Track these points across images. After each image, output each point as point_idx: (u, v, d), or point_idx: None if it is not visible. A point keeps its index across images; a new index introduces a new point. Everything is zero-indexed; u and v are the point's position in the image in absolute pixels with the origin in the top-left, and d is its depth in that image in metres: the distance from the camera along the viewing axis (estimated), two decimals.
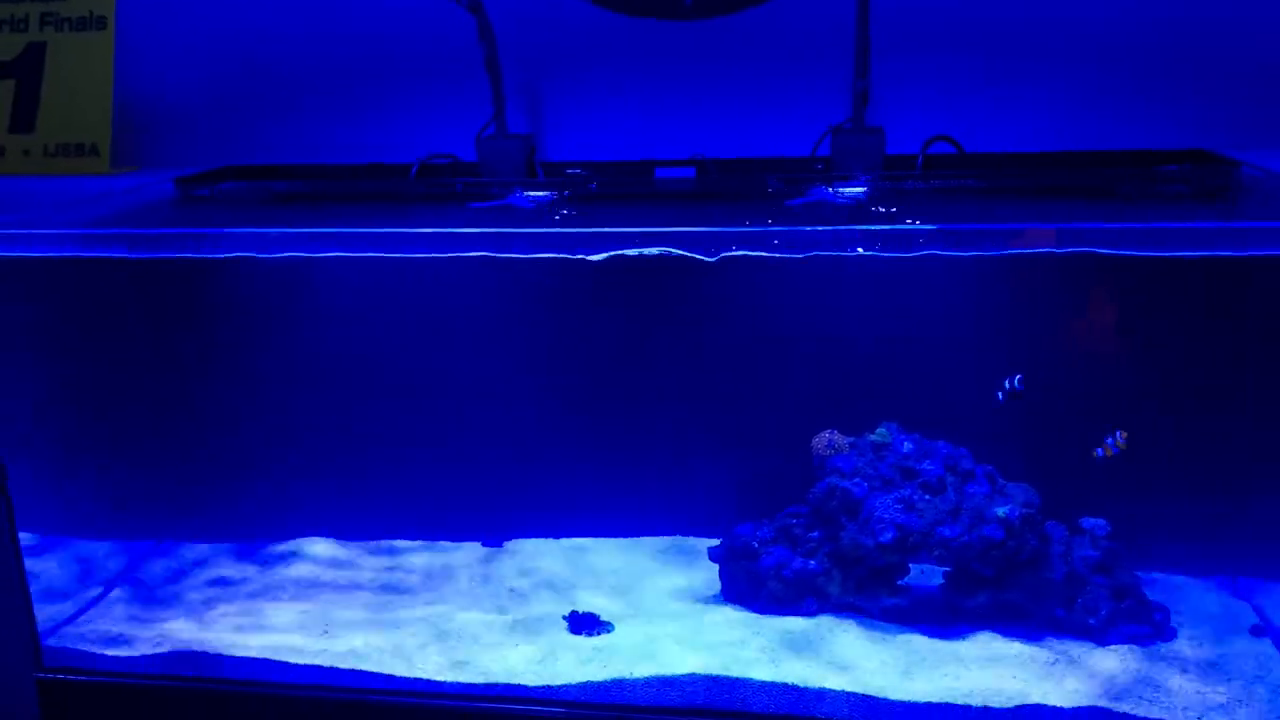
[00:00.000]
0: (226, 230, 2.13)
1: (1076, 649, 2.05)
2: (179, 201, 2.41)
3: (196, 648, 2.16)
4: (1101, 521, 2.14)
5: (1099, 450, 2.10)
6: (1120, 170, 2.30)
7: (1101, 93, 2.36)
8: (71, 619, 2.31)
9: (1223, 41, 2.27)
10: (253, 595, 2.38)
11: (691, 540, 2.45)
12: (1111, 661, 2.00)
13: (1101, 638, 2.06)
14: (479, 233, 2.01)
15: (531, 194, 2.34)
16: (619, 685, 2.00)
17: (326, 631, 2.19)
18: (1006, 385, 2.11)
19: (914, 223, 1.91)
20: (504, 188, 2.36)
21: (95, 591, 2.41)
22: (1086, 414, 2.20)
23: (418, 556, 2.50)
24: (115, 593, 2.40)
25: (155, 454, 2.55)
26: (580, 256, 1.97)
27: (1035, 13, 2.33)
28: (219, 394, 2.53)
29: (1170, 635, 2.08)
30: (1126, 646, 2.05)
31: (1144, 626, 2.07)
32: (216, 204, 2.42)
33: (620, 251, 1.96)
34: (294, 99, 2.66)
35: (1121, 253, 1.89)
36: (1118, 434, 2.09)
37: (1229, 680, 1.94)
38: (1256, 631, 2.09)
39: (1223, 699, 1.89)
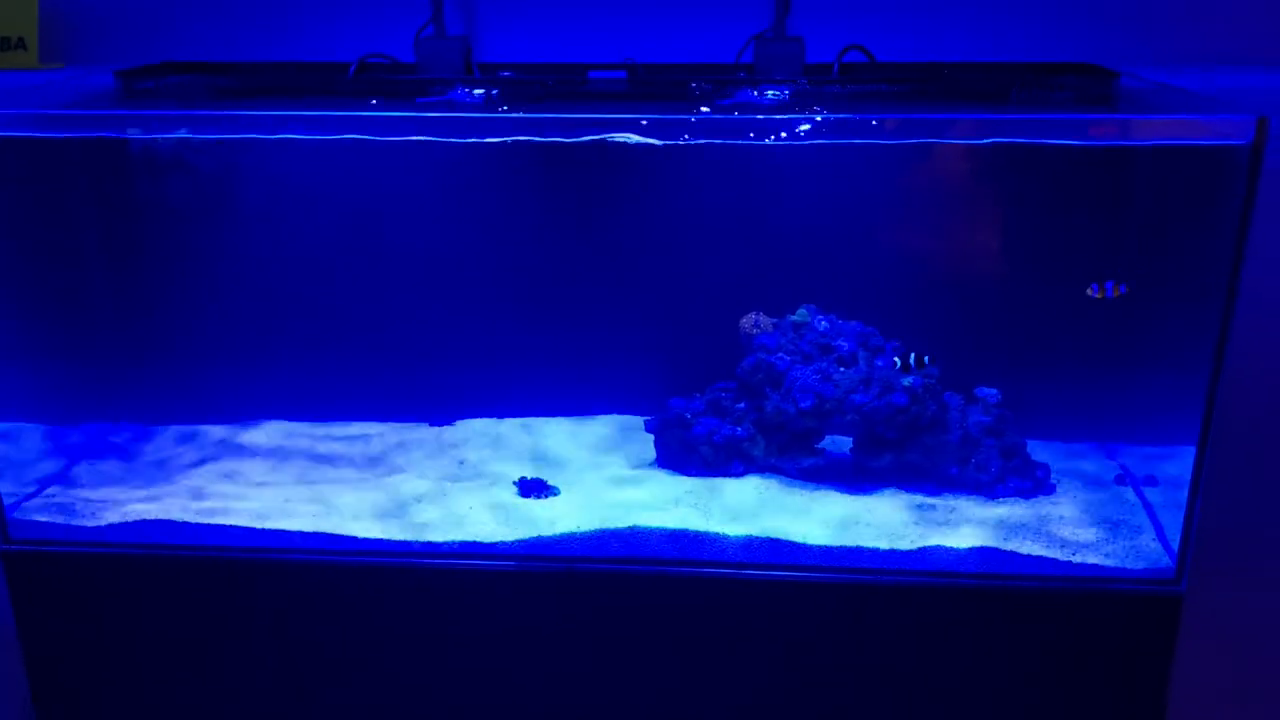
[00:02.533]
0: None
1: (970, 501, 2.32)
2: (124, 94, 2.45)
3: (160, 518, 2.28)
4: (993, 391, 2.41)
5: (1094, 287, 2.27)
6: (1014, 77, 2.53)
7: (1000, 9, 2.58)
8: (34, 494, 2.39)
9: None
10: (212, 472, 2.49)
11: (629, 418, 2.65)
12: (1000, 511, 2.29)
13: (991, 492, 2.34)
14: (456, 116, 2.15)
15: (474, 91, 2.46)
16: (568, 539, 2.20)
17: (288, 501, 2.33)
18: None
19: (822, 114, 2.12)
20: (446, 85, 2.48)
21: (57, 469, 2.51)
22: (980, 295, 2.48)
23: (370, 434, 2.64)
24: (78, 471, 2.51)
25: (112, 340, 2.63)
26: (541, 140, 2.13)
27: None
28: (175, 282, 2.61)
29: (1050, 489, 2.37)
30: (1013, 499, 2.33)
31: (1028, 481, 2.36)
32: (162, 97, 2.47)
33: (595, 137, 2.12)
34: None
35: (1009, 140, 2.18)
36: (1120, 287, 2.26)
37: (1098, 522, 2.24)
38: (1119, 480, 2.41)
39: (1093, 537, 2.19)
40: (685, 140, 2.21)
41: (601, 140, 2.18)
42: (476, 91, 2.48)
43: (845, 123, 2.13)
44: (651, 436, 2.48)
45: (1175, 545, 2.09)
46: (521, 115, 2.24)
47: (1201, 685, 2.37)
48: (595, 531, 2.21)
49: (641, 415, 2.56)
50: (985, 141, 2.32)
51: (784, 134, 2.19)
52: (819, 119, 2.12)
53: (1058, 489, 2.37)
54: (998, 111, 2.18)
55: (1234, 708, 2.45)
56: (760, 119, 2.19)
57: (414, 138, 2.28)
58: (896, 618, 2.12)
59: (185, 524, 2.27)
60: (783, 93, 2.36)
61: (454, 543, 2.21)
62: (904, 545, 2.16)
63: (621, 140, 2.14)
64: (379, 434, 2.65)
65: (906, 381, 2.32)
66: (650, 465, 2.46)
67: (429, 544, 2.21)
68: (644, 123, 2.15)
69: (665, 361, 2.58)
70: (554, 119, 2.20)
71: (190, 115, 2.30)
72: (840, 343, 2.39)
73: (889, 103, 2.40)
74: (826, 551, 2.17)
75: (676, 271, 2.56)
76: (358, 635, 2.21)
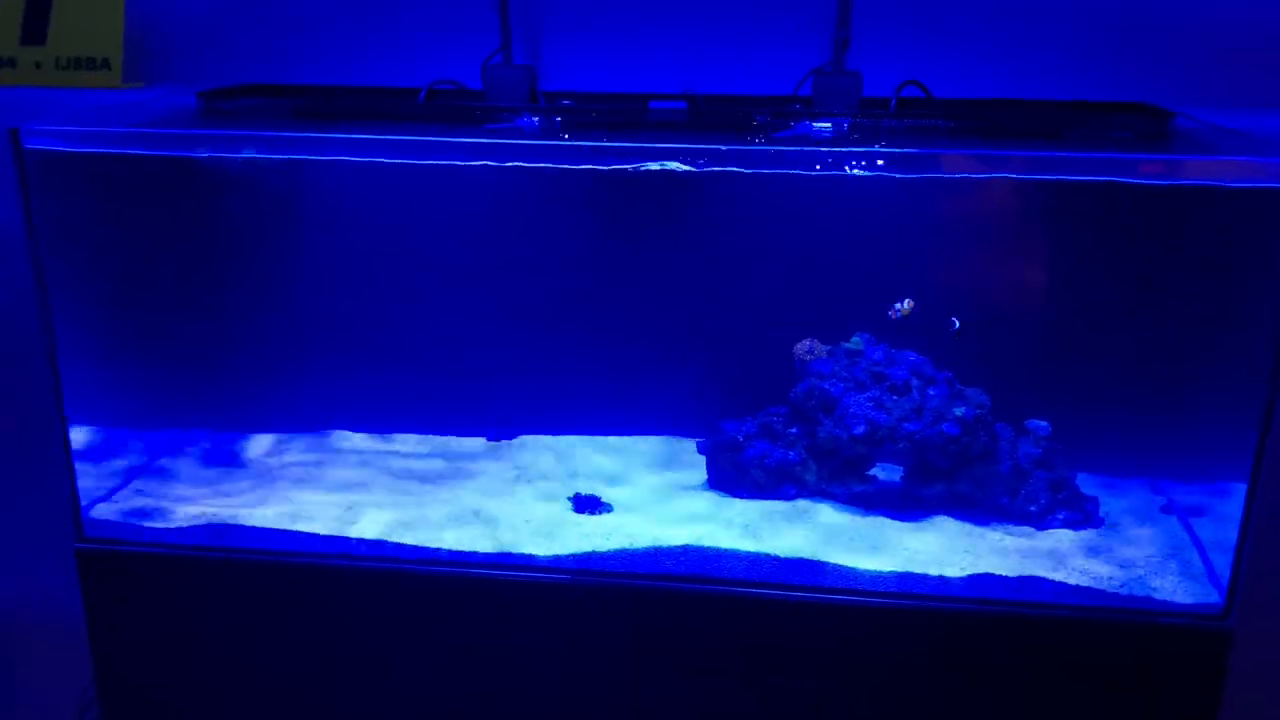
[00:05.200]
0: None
1: (1019, 531, 2.35)
2: (205, 114, 2.55)
3: (228, 522, 2.36)
4: (1044, 424, 2.44)
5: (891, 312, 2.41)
6: (1070, 115, 2.57)
7: (1058, 49, 2.62)
8: (108, 496, 2.48)
9: (1166, 7, 2.56)
10: (280, 479, 2.58)
11: (681, 440, 2.70)
12: (1049, 541, 2.31)
13: (1040, 523, 2.37)
14: (525, 144, 2.24)
15: (539, 119, 2.54)
16: (621, 555, 2.25)
17: (351, 508, 2.41)
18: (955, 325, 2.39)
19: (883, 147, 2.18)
20: (513, 112, 2.56)
21: (133, 471, 2.61)
22: (1037, 331, 2.51)
23: (430, 447, 2.72)
24: (152, 474, 2.60)
25: (188, 349, 2.72)
26: (606, 168, 2.21)
27: None
28: (251, 296, 2.71)
29: (1099, 522, 2.39)
30: (1062, 530, 2.35)
31: (1077, 514, 2.38)
32: (242, 117, 2.57)
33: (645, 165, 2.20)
34: (302, 21, 2.81)
35: (1062, 178, 2.23)
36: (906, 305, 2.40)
37: (1147, 555, 2.26)
38: (1165, 510, 2.42)
39: (1141, 571, 2.20)
40: (742, 170, 2.26)
41: (660, 169, 2.24)
42: (543, 119, 2.57)
43: (905, 157, 2.18)
44: (703, 458, 2.53)
45: (1224, 581, 2.10)
46: (594, 144, 2.31)
47: None
48: (648, 549, 2.25)
49: (693, 437, 2.61)
50: (1037, 177, 2.36)
51: (845, 166, 2.24)
52: (880, 153, 2.18)
53: (1106, 521, 2.39)
54: (1052, 149, 2.22)
55: None
56: (820, 151, 2.24)
57: (480, 163, 2.36)
58: (945, 643, 2.15)
59: (254, 528, 2.35)
60: (841, 125, 2.42)
61: (508, 554, 2.26)
62: (953, 572, 2.19)
63: (678, 169, 2.20)
64: (437, 446, 2.72)
65: (958, 411, 2.35)
66: (702, 486, 2.51)
67: (485, 555, 2.27)
68: (702, 156, 2.22)
69: (717, 385, 2.63)
70: (618, 148, 2.27)
71: (263, 136, 2.38)
72: (894, 371, 2.43)
73: (946, 137, 2.45)
74: (878, 577, 2.20)
75: (730, 297, 2.61)
76: (412, 642, 2.27)
